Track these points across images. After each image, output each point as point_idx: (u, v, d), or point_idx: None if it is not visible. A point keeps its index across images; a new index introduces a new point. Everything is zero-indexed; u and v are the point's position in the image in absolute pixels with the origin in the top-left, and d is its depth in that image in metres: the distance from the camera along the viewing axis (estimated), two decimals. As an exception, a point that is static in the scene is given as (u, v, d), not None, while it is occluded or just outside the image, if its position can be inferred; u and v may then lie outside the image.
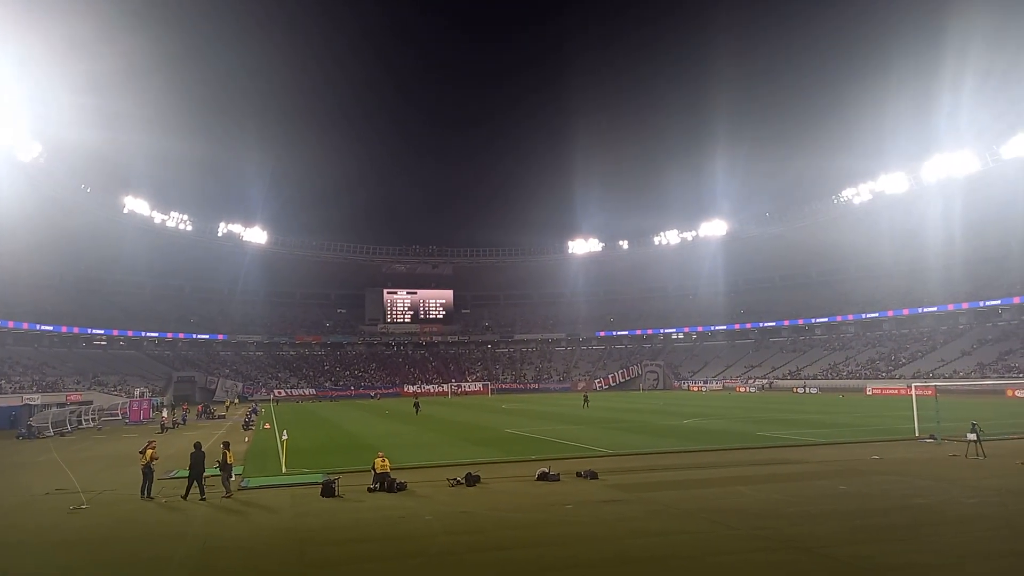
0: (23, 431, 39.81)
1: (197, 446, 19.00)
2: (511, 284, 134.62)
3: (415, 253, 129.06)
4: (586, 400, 60.25)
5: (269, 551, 13.19)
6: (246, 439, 35.80)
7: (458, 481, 19.47)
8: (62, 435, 41.16)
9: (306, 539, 13.95)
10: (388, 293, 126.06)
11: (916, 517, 14.62)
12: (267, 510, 17.08)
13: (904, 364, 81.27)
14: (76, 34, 66.23)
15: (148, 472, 18.78)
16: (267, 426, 42.92)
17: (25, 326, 79.18)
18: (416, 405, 55.13)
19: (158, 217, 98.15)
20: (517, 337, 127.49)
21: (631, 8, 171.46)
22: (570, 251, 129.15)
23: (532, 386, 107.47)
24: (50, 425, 42.08)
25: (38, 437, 39.05)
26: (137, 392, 70.42)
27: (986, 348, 76.96)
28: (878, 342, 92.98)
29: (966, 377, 69.31)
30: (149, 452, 18.99)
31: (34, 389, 62.17)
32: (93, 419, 49.20)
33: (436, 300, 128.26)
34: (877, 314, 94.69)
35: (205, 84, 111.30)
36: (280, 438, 27.72)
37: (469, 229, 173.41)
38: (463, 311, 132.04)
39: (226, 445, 19.37)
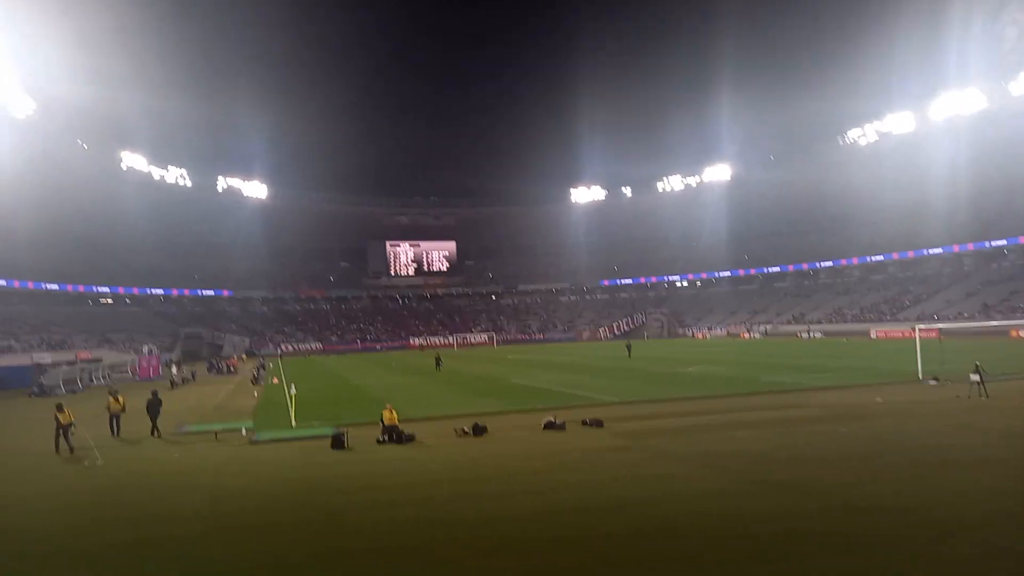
0: (35, 389, 40.33)
1: (154, 393, 23.53)
2: (514, 234, 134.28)
3: (417, 204, 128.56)
4: (629, 348, 56.92)
5: (280, 502, 13.45)
6: (255, 394, 36.25)
7: (465, 431, 19.73)
8: (73, 393, 41.71)
9: (317, 489, 14.23)
10: (391, 245, 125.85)
11: (915, 459, 14.79)
12: (278, 462, 17.38)
13: (908, 307, 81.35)
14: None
15: (116, 416, 22.52)
16: (275, 381, 43.42)
17: (30, 285, 79.38)
18: (437, 360, 50.49)
19: (156, 172, 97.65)
20: (521, 288, 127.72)
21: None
22: (573, 200, 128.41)
23: (537, 337, 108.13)
24: (61, 383, 42.61)
25: (49, 395, 39.58)
26: (145, 349, 71.03)
27: (991, 289, 76.90)
28: (882, 285, 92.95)
29: (971, 319, 69.37)
30: (121, 399, 22.97)
31: (43, 348, 62.71)
32: (104, 376, 49.78)
33: (439, 252, 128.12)
34: (881, 257, 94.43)
35: (200, 39, 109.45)
36: (288, 392, 28.02)
37: (471, 179, 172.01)
38: (467, 263, 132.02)
39: (59, 407, 20.15)
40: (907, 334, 61.96)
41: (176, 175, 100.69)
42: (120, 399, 22.88)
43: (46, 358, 53.47)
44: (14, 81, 67.21)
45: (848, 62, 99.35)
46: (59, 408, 20.06)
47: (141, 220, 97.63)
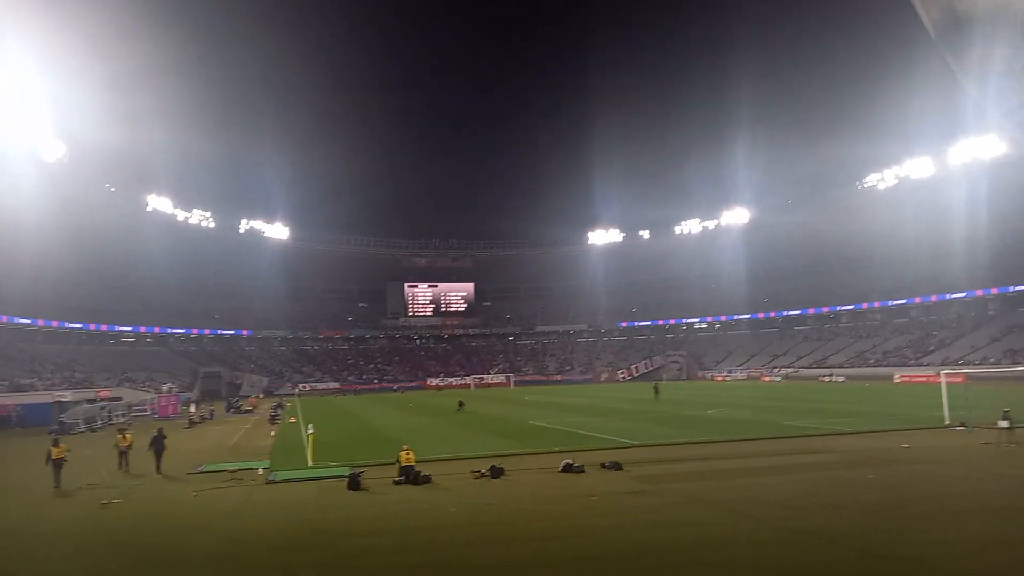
0: (55, 427, 40.51)
1: (160, 431, 24.13)
2: (532, 276, 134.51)
3: (435, 247, 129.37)
4: (656, 390, 56.37)
5: (295, 543, 13.31)
6: (272, 433, 36.21)
7: (482, 473, 19.52)
8: (93, 430, 41.89)
9: (332, 531, 14.08)
10: (409, 287, 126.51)
11: (945, 507, 14.42)
12: (293, 503, 17.25)
13: (932, 351, 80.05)
14: (98, 34, 67.02)
15: (124, 452, 23.52)
16: (293, 420, 43.36)
17: (54, 324, 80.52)
18: (461, 403, 49.69)
19: (181, 214, 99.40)
20: (538, 329, 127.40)
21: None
22: (590, 242, 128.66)
23: (555, 378, 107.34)
24: (81, 421, 42.82)
25: (69, 433, 39.72)
26: (165, 388, 71.41)
27: (1016, 334, 75.52)
28: (905, 329, 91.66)
29: (997, 364, 68.06)
30: (129, 436, 24.11)
31: (64, 386, 63.23)
32: (123, 415, 49.98)
33: (457, 293, 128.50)
34: (904, 301, 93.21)
35: (225, 82, 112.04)
36: (306, 432, 27.96)
37: (489, 221, 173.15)
38: (484, 303, 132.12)
39: (54, 442, 21.39)
40: (931, 379, 60.84)
41: (200, 217, 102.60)
42: (128, 436, 24.09)
43: (67, 396, 53.86)
44: (46, 125, 69.08)
45: (866, 107, 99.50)
46: (55, 443, 21.19)
47: (164, 261, 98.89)
